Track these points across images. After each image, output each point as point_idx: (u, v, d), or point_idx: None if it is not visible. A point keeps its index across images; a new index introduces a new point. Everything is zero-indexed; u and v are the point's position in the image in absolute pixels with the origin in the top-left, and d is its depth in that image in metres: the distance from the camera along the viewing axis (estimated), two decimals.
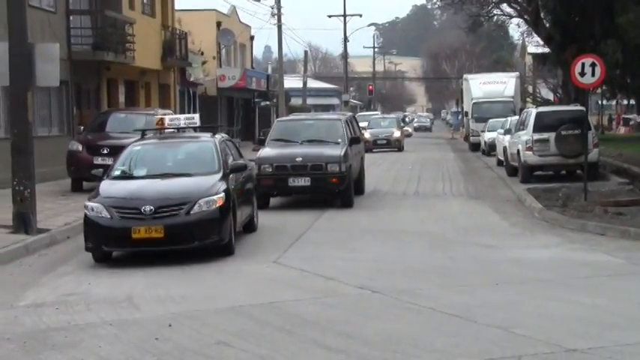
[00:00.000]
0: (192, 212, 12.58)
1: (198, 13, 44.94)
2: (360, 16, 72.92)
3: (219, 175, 13.55)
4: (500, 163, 30.41)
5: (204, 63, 43.39)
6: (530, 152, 24.11)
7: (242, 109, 53.03)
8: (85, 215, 12.83)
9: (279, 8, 49.48)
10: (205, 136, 14.86)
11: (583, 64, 19.00)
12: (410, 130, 72.49)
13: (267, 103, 56.33)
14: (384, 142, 45.59)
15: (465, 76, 51.42)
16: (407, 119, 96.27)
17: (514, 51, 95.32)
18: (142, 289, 10.99)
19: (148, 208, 12.47)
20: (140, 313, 9.82)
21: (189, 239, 12.59)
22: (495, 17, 62.11)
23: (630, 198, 18.96)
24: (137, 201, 12.63)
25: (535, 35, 53.96)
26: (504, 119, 35.55)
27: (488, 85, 46.13)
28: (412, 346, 8.17)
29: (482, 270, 12.04)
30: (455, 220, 17.67)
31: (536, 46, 58.90)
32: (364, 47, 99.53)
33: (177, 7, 39.62)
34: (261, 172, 18.60)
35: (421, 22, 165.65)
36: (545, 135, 23.90)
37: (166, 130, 15.62)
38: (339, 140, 20.00)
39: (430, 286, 10.89)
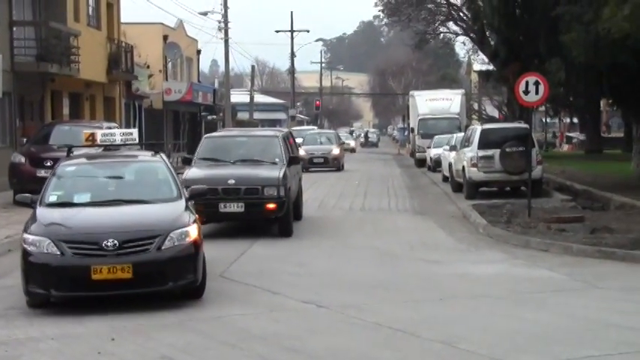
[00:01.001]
0: (163, 247, 10.37)
1: (144, 26, 44.66)
2: (308, 31, 73.23)
3: (182, 202, 11.39)
4: (445, 179, 30.62)
5: (150, 76, 43.12)
6: (475, 169, 24.34)
7: (188, 123, 52.77)
8: (25, 251, 10.38)
9: (226, 22, 49.41)
10: (147, 155, 12.70)
11: (527, 82, 19.25)
12: (352, 144, 70.12)
13: (214, 117, 56.15)
14: (321, 160, 40.78)
15: (411, 92, 51.83)
16: (354, 134, 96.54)
17: (460, 68, 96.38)
18: (85, 302, 10.82)
19: (110, 242, 10.18)
20: (83, 327, 9.68)
21: (161, 280, 10.36)
22: (442, 35, 62.95)
23: (573, 215, 19.22)
24: (95, 234, 10.33)
25: (480, 53, 54.69)
26: (450, 136, 35.86)
27: (434, 102, 46.50)
28: None
29: (428, 285, 12.09)
30: (400, 235, 17.74)
31: (481, 63, 59.70)
32: (311, 62, 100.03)
33: (123, 19, 39.34)
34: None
35: (368, 39, 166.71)
36: (489, 152, 24.15)
37: (99, 148, 13.40)
38: (277, 160, 17.61)
39: (376, 301, 10.91)
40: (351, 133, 78.30)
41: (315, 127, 55.32)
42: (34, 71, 27.65)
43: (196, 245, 10.69)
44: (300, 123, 78.94)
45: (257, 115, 65.22)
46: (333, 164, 40.71)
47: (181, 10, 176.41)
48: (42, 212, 10.99)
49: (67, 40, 29.65)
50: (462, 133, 30.99)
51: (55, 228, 10.52)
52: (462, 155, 25.66)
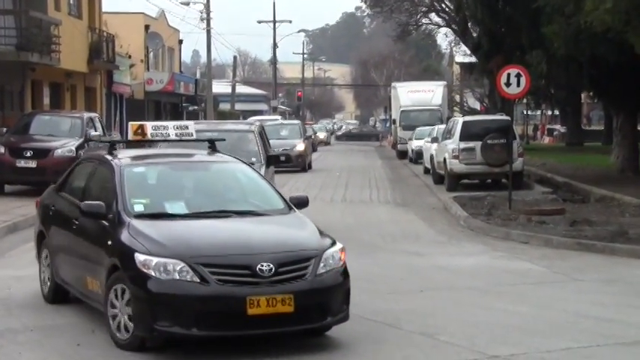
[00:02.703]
0: (319, 272, 8.23)
1: (126, 15, 44.45)
2: (290, 22, 73.09)
3: (297, 214, 9.38)
4: (427, 171, 30.70)
5: (131, 66, 42.93)
6: (456, 161, 24.40)
7: (169, 114, 52.61)
8: (145, 278, 7.92)
9: (208, 13, 49.24)
10: (222, 156, 10.26)
11: (509, 75, 19.31)
12: (322, 136, 65.02)
13: (195, 107, 56.01)
14: (282, 158, 33.73)
15: (393, 84, 51.87)
16: (335, 126, 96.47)
17: (442, 60, 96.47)
18: (64, 295, 10.77)
19: (266, 266, 7.93)
20: (63, 318, 9.64)
21: (321, 314, 8.21)
22: (424, 26, 62.95)
23: (553, 207, 19.30)
24: (244, 255, 8.04)
25: (463, 45, 54.78)
26: (431, 127, 35.95)
27: (416, 94, 46.57)
28: (339, 353, 8.18)
29: (408, 277, 12.12)
30: (382, 227, 17.76)
31: (463, 55, 59.84)
32: (294, 53, 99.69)
33: (104, 9, 39.12)
34: None
35: (351, 30, 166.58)
36: (471, 144, 24.22)
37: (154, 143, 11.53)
38: (254, 159, 15.08)
39: (357, 293, 10.89)
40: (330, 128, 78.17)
41: (279, 118, 46.74)
42: (14, 61, 27.46)
43: (346, 269, 8.59)
44: (282, 114, 78.85)
45: (239, 106, 65.11)
46: (297, 163, 33.68)
47: (163, 0, 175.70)
48: (142, 226, 8.42)
49: (47, 29, 29.46)
50: (444, 125, 31.07)
51: (186, 247, 8.05)
52: (443, 147, 25.73)
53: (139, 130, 10.33)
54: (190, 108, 55.67)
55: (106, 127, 26.29)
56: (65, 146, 21.63)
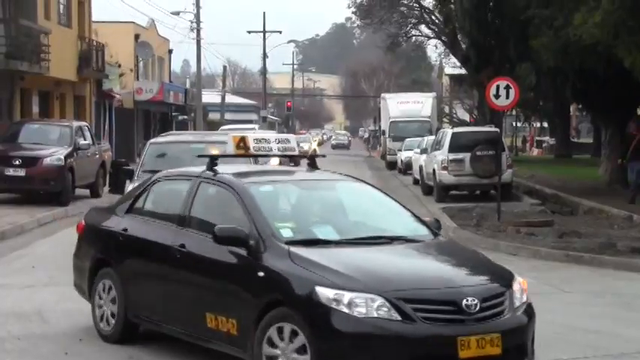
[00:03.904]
0: (515, 308, 7.28)
1: (116, 25, 44.42)
2: (280, 32, 73.13)
3: (453, 241, 8.77)
4: (416, 181, 30.73)
5: (121, 75, 42.88)
6: (445, 172, 24.45)
7: (159, 123, 52.55)
8: (336, 316, 6.71)
9: (198, 23, 49.27)
10: (334, 173, 9.29)
11: (498, 87, 19.36)
12: (307, 147, 63.75)
13: (185, 117, 55.95)
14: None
15: (382, 95, 51.98)
16: (324, 137, 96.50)
17: (432, 71, 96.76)
18: (52, 303, 10.74)
19: (472, 301, 6.91)
20: (50, 327, 9.60)
21: (521, 355, 7.24)
22: (414, 38, 63.10)
23: (542, 219, 19.35)
24: (447, 289, 7.02)
25: (452, 57, 54.93)
26: (421, 139, 35.98)
27: (405, 105, 46.69)
28: None
29: None
30: None
31: (453, 67, 59.93)
32: (284, 64, 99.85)
33: (94, 18, 39.08)
34: None
35: (341, 41, 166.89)
36: (460, 155, 24.28)
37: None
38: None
39: None
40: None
41: (256, 127, 44.77)
42: (4, 69, 27.38)
43: (531, 303, 7.59)
44: (272, 124, 78.87)
45: (228, 116, 65.04)
46: None
47: (153, 10, 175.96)
48: (311, 255, 7.20)
49: (37, 37, 29.40)
50: (433, 136, 31.13)
51: (380, 280, 6.91)
52: (432, 158, 25.78)
53: (242, 144, 9.00)
54: (180, 117, 55.62)
55: (95, 136, 26.23)
56: (54, 155, 21.57)
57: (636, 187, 21.59)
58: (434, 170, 25.13)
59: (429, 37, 60.97)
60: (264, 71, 75.84)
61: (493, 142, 23.18)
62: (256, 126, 49.75)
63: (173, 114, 54.58)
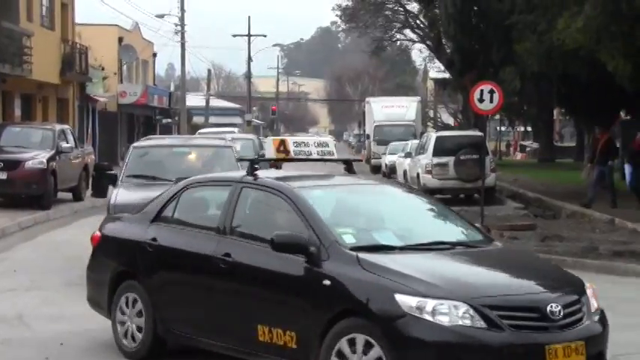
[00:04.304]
0: (592, 313, 7.03)
1: (99, 27, 44.26)
2: (265, 36, 73.19)
3: (511, 246, 8.36)
4: None
5: (104, 78, 42.75)
6: (429, 175, 24.48)
7: (143, 127, 52.39)
8: (420, 325, 6.35)
9: (182, 26, 49.19)
10: (373, 178, 8.83)
11: (482, 91, 19.40)
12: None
13: (169, 120, 55.82)
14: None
15: (367, 99, 52.09)
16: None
17: (416, 76, 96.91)
18: (33, 308, 10.66)
19: (556, 307, 6.61)
20: (31, 331, 9.53)
21: None
22: (398, 42, 63.25)
23: (524, 222, 19.38)
24: (530, 295, 6.72)
25: (437, 61, 55.08)
26: (405, 143, 36.07)
27: (390, 109, 46.80)
28: None
29: None
30: None
31: (437, 71, 60.12)
32: (268, 68, 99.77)
33: (77, 20, 38.94)
34: None
35: (326, 45, 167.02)
36: (444, 159, 24.32)
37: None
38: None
39: None
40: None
41: (235, 130, 42.17)
42: None
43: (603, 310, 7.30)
44: (257, 128, 78.79)
45: (213, 120, 64.92)
46: None
47: (137, 13, 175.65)
48: (383, 261, 6.82)
49: (19, 40, 29.26)
50: (417, 140, 31.17)
51: (462, 286, 6.58)
52: (416, 162, 25.82)
53: (282, 147, 8.72)
54: (164, 121, 55.48)
55: (78, 140, 26.11)
56: (36, 158, 21.45)
57: (601, 190, 21.68)
58: (418, 174, 25.17)
59: (414, 42, 61.17)
60: (248, 75, 75.80)
61: (477, 146, 23.23)
62: (236, 129, 49.53)
63: (157, 117, 54.45)
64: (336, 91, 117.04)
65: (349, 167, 9.13)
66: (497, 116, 52.64)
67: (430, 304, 6.34)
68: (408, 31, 59.35)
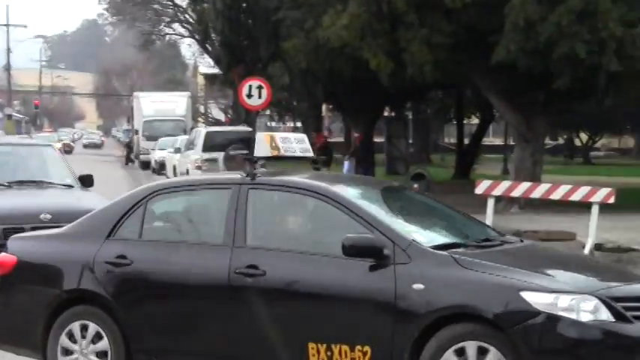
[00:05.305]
0: None
1: None
2: (25, 27, 70.20)
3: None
4: None
5: None
6: (199, 171, 24.34)
7: None
8: (558, 323, 5.79)
9: None
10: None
11: (250, 86, 19.47)
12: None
13: None
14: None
15: (135, 94, 51.25)
16: (75, 135, 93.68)
17: (186, 70, 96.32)
18: None
19: None
20: None
21: None
22: (168, 36, 62.54)
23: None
24: (635, 285, 6.35)
25: (206, 56, 54.92)
26: (175, 138, 35.75)
27: (159, 104, 46.32)
28: None
29: None
30: None
31: (207, 66, 59.96)
32: (31, 60, 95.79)
33: None
34: None
35: (92, 37, 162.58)
36: (214, 154, 24.27)
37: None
38: (68, 180, 11.80)
39: None
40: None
41: None
42: None
43: None
44: (18, 122, 75.44)
45: None
46: None
47: None
48: (480, 259, 6.21)
49: None
50: (187, 136, 30.95)
51: (581, 280, 6.24)
52: (186, 158, 25.62)
53: (274, 144, 7.59)
54: None
55: None
56: None
57: None
58: (187, 170, 24.98)
59: (183, 36, 60.73)
60: (8, 67, 72.42)
61: (246, 141, 23.32)
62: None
63: None
64: (104, 86, 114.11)
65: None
66: (268, 111, 53.21)
67: (564, 299, 5.79)
68: (177, 26, 58.88)
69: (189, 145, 26.23)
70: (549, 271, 6.21)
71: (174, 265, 6.69)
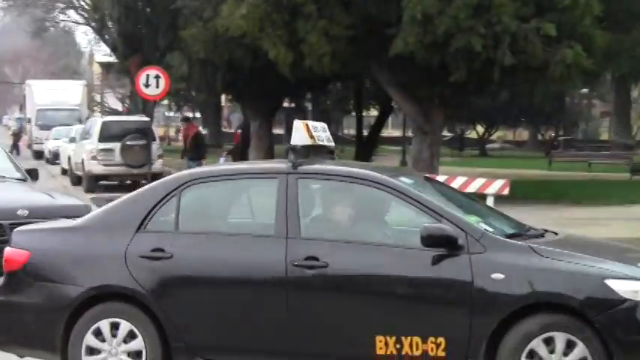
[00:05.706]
0: None
1: None
2: None
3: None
4: (64, 171, 29.82)
5: None
6: (94, 161, 23.95)
7: None
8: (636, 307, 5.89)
9: None
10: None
11: (148, 76, 19.22)
12: None
13: None
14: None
15: (27, 81, 50.00)
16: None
17: (82, 59, 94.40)
18: None
19: None
20: None
21: None
22: (62, 23, 61.11)
23: None
24: None
25: (103, 44, 53.93)
26: (70, 128, 35.08)
27: (53, 92, 45.35)
28: None
29: None
30: None
31: (103, 54, 58.91)
32: None
33: None
34: None
35: None
36: (110, 145, 23.88)
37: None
38: (19, 175, 11.77)
39: None
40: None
41: None
42: None
43: None
44: None
45: None
46: None
47: None
48: (557, 247, 6.21)
49: None
50: (83, 125, 30.37)
51: None
52: (81, 148, 25.15)
53: (309, 132, 7.02)
54: None
55: None
56: None
57: None
58: (83, 160, 24.50)
59: (79, 23, 59.38)
60: None
61: (144, 131, 23.00)
62: None
63: None
64: None
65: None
66: (166, 101, 52.61)
67: None
68: (72, 12, 57.55)
69: (85, 135, 25.72)
70: (624, 260, 6.21)
71: (220, 257, 6.39)
